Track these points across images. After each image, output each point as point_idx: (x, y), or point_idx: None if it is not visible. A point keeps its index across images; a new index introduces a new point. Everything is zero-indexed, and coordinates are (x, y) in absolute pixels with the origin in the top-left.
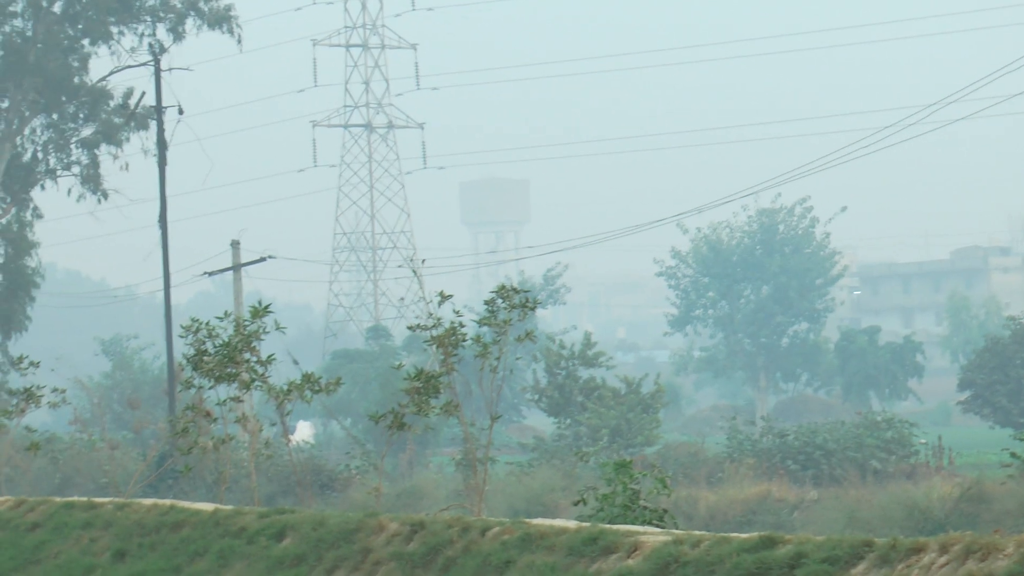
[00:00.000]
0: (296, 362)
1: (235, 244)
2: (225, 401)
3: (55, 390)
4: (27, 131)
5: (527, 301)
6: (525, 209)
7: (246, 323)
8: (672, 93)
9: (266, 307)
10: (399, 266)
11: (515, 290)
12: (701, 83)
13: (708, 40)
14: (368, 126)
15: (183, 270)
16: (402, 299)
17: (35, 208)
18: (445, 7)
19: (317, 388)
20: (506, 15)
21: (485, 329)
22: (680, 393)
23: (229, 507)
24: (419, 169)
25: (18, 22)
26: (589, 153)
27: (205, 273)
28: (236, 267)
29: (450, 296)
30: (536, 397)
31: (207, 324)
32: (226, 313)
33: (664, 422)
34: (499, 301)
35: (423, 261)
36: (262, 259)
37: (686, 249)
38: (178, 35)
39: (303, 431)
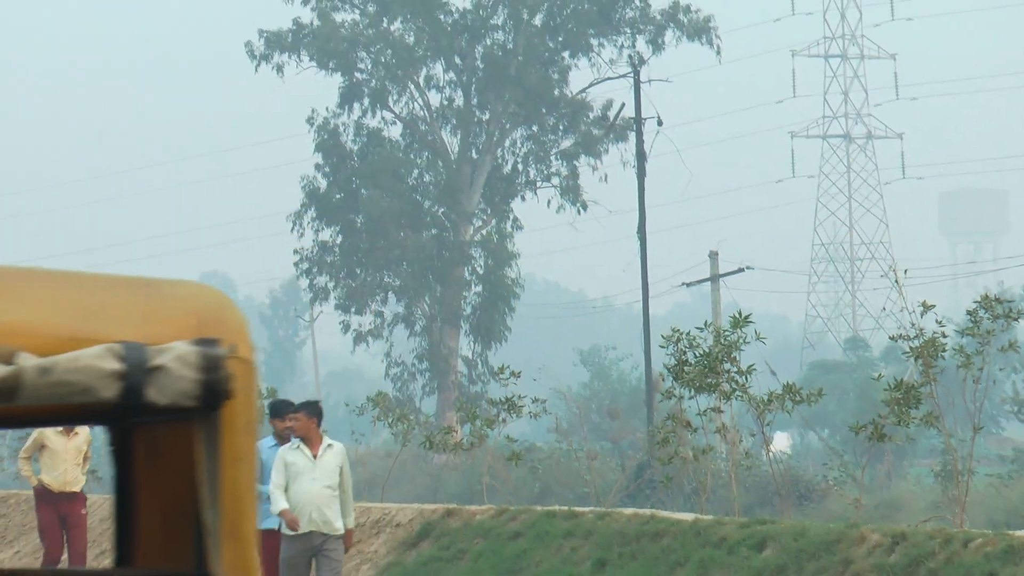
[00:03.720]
0: (774, 372)
1: (713, 255)
2: (705, 411)
3: (535, 400)
4: (507, 143)
5: (1010, 311)
6: (1004, 219)
7: (726, 333)
8: None
9: (746, 317)
10: (881, 276)
11: (998, 300)
12: None
13: None
14: (847, 136)
15: (661, 281)
16: (884, 309)
17: (515, 219)
18: (924, 17)
19: (798, 399)
20: (983, 24)
21: (967, 339)
22: None
23: (709, 517)
24: (897, 179)
25: (499, 35)
26: None
27: (683, 284)
28: (714, 278)
29: (932, 306)
30: (1016, 408)
31: (687, 334)
32: (706, 323)
33: None
34: (982, 312)
35: (905, 271)
36: (740, 270)
37: None
38: (657, 47)
39: (780, 442)
